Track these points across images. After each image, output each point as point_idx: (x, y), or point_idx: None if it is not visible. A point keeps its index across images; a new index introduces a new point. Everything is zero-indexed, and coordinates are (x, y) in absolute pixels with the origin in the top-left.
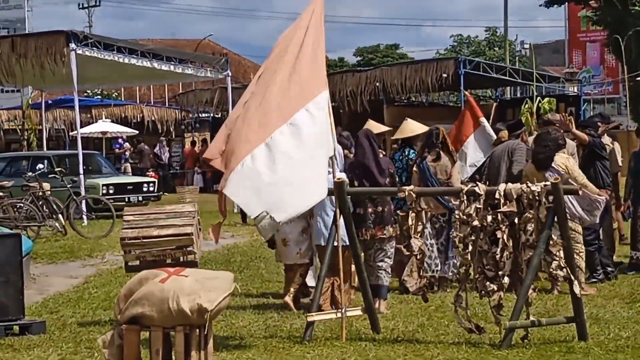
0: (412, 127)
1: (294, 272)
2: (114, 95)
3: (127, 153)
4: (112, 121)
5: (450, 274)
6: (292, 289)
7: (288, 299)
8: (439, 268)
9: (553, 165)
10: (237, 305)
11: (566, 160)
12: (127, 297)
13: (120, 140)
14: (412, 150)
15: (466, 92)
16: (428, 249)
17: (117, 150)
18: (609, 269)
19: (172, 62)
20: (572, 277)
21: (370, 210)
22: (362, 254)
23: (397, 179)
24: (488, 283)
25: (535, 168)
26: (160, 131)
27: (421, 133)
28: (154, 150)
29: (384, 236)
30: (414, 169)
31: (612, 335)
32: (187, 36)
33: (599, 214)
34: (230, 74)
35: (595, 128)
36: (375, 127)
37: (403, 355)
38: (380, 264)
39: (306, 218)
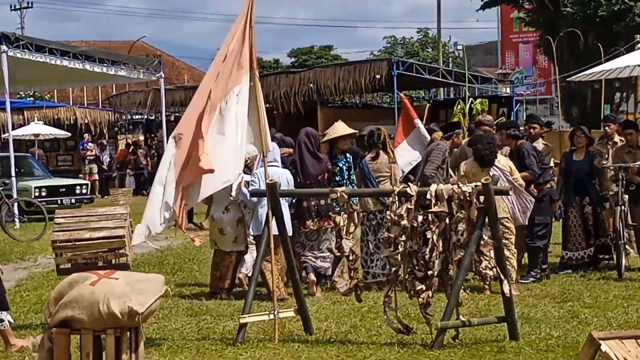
0: (337, 129)
1: (229, 259)
2: (46, 97)
3: (92, 153)
4: (45, 123)
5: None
6: (226, 283)
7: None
8: (374, 264)
9: (496, 164)
10: (169, 307)
11: (508, 161)
12: (57, 300)
13: (84, 141)
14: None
15: (402, 95)
16: (365, 245)
17: (82, 151)
18: (544, 266)
19: (105, 64)
20: (502, 277)
21: (313, 203)
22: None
23: (332, 175)
24: (417, 283)
25: (478, 165)
26: (93, 133)
27: (346, 134)
28: (94, 153)
29: (330, 226)
30: (356, 170)
31: (543, 335)
32: (121, 38)
33: (529, 214)
34: (163, 76)
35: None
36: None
37: (335, 356)
38: (325, 252)
39: (240, 209)
